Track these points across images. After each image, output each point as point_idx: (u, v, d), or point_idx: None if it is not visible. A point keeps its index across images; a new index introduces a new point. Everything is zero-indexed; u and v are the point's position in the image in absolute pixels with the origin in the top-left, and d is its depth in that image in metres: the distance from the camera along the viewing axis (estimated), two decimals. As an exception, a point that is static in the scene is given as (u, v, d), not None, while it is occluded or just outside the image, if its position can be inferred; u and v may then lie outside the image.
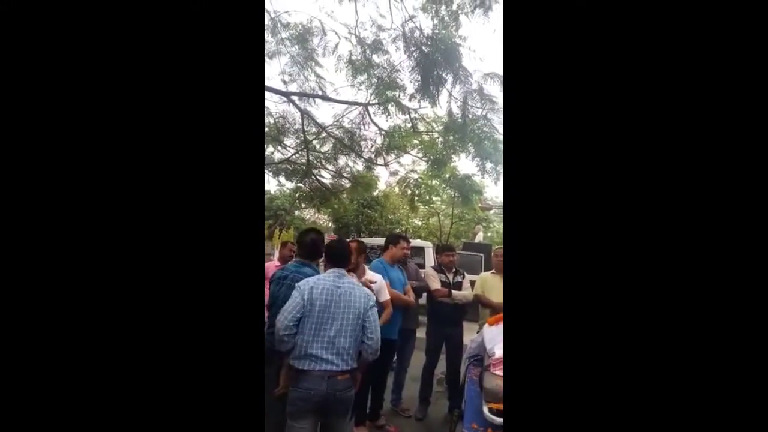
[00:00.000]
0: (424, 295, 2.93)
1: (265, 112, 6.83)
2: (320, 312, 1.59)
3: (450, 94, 5.34)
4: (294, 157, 7.29)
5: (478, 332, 2.45)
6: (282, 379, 1.67)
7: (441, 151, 6.17)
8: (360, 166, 7.53)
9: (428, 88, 4.99)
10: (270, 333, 1.79)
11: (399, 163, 7.96)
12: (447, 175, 7.11)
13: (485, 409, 1.61)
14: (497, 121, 5.32)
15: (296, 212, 14.25)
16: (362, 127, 6.42)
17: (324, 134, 6.78)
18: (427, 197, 11.75)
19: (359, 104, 6.13)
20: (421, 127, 6.42)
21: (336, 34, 5.65)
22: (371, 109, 6.05)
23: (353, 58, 5.49)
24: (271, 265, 3.14)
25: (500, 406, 1.56)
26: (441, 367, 2.96)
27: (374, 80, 5.48)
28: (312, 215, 14.51)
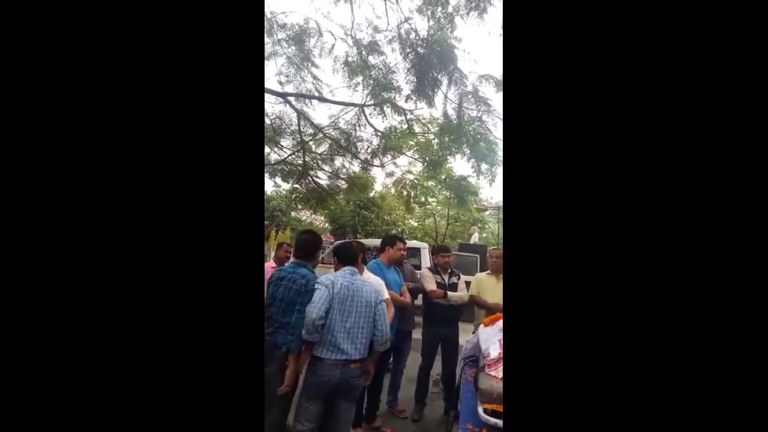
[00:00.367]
0: (420, 296, 2.94)
1: (262, 113, 6.81)
2: (340, 305, 1.75)
3: (445, 96, 5.37)
4: (290, 158, 7.28)
5: (473, 333, 2.46)
6: (287, 378, 1.75)
7: (437, 153, 6.20)
8: (356, 167, 7.54)
9: (424, 89, 5.02)
10: (269, 333, 1.84)
11: (395, 164, 8.00)
12: (443, 177, 7.14)
13: (480, 410, 1.61)
14: (492, 122, 5.35)
15: (293, 213, 14.22)
16: (358, 128, 6.44)
17: (320, 135, 6.78)
18: (423, 198, 11.79)
19: (355, 105, 6.15)
20: (417, 129, 6.45)
21: (332, 35, 5.67)
22: (367, 111, 6.07)
23: (349, 59, 5.51)
24: (268, 267, 3.13)
25: (495, 407, 1.57)
26: (437, 368, 2.97)
27: (370, 81, 5.50)
28: (308, 216, 14.49)
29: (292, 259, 2.15)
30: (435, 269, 3.00)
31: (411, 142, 6.62)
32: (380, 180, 12.05)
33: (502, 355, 1.74)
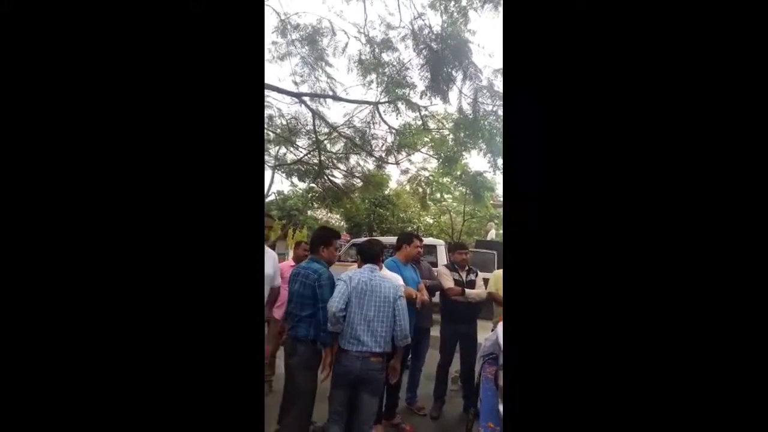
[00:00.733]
0: (437, 293, 2.93)
1: (277, 114, 6.91)
2: (359, 299, 1.88)
3: (460, 91, 5.31)
4: (306, 157, 7.35)
5: (492, 330, 2.44)
6: (325, 367, 1.92)
7: (452, 148, 6.14)
8: (371, 165, 7.55)
9: (438, 85, 4.97)
10: (291, 328, 1.98)
11: (410, 161, 7.96)
12: (458, 173, 7.07)
13: (501, 408, 1.60)
14: (508, 117, 5.24)
15: (309, 212, 14.37)
16: (373, 125, 6.43)
17: (335, 134, 6.82)
18: (438, 195, 11.70)
19: (369, 103, 6.14)
20: (432, 125, 6.40)
21: (345, 33, 5.68)
22: (381, 108, 6.06)
23: (363, 57, 5.50)
24: (286, 265, 3.18)
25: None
26: (455, 365, 2.95)
27: (384, 79, 5.49)
28: (324, 215, 14.62)
29: (309, 256, 2.19)
30: (452, 267, 2.98)
31: (426, 139, 6.58)
32: (395, 177, 12.01)
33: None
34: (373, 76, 5.57)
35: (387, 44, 5.41)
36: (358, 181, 7.88)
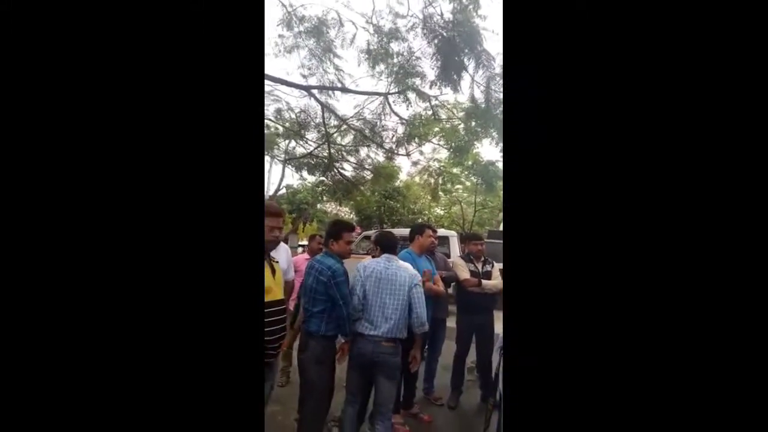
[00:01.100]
0: (453, 284, 2.91)
1: (286, 107, 6.90)
2: (373, 287, 1.97)
3: (472, 79, 5.21)
4: (316, 150, 7.34)
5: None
6: (339, 354, 2.02)
7: (463, 138, 6.06)
8: (381, 157, 7.51)
9: (449, 73, 4.88)
10: (304, 322, 2.00)
11: (420, 152, 7.90)
12: (470, 162, 7.00)
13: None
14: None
15: (318, 205, 14.42)
16: (383, 117, 6.38)
17: (345, 126, 6.78)
18: (449, 185, 11.62)
19: (379, 94, 6.08)
20: (443, 115, 6.31)
21: (353, 24, 5.60)
22: (391, 99, 5.99)
23: (371, 47, 5.43)
24: (301, 258, 3.20)
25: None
26: (471, 355, 2.95)
27: (394, 69, 5.41)
28: (334, 208, 14.65)
29: (324, 249, 2.19)
30: (467, 257, 2.95)
31: (436, 129, 6.50)
32: (405, 169, 11.94)
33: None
34: (383, 66, 5.50)
35: (396, 34, 5.33)
36: (368, 173, 7.86)
